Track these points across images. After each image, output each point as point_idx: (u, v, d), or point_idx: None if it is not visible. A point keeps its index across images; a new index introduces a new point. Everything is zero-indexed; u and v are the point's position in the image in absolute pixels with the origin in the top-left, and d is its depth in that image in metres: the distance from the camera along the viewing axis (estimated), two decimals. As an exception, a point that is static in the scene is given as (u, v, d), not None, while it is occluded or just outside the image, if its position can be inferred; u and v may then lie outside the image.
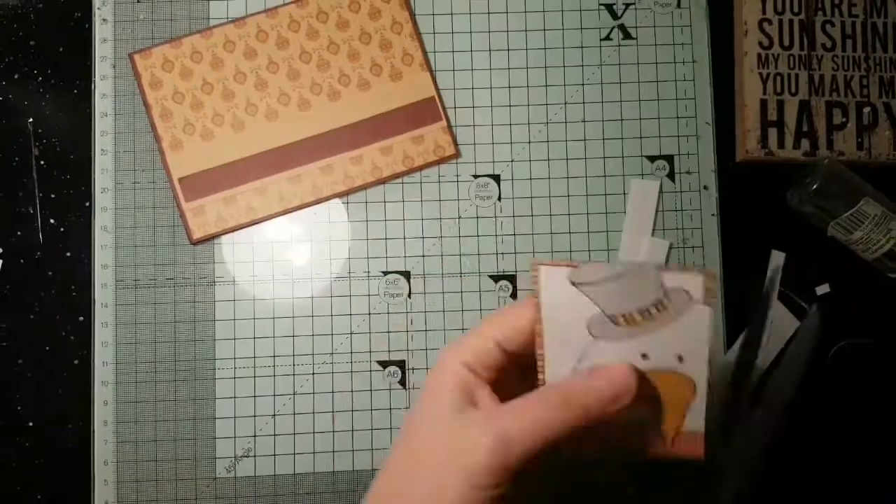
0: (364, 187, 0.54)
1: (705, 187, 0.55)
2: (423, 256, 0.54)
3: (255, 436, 0.53)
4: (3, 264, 0.54)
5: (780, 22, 0.55)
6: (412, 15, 0.55)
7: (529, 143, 0.55)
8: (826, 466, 0.54)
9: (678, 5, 0.56)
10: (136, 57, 0.54)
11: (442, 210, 0.54)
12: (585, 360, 0.32)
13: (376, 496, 0.32)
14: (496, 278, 0.54)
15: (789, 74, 0.55)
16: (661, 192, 0.55)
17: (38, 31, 0.55)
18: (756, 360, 0.33)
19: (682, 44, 0.56)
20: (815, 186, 0.52)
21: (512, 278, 0.54)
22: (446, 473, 0.29)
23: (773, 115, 0.55)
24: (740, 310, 0.54)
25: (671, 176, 0.55)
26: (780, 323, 0.54)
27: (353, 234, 0.54)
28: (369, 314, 0.54)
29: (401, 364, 0.53)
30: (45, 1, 0.56)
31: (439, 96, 0.55)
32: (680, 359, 0.31)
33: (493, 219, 0.54)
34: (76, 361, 0.53)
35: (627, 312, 0.31)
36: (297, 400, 0.53)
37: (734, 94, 0.56)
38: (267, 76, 0.54)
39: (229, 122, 0.54)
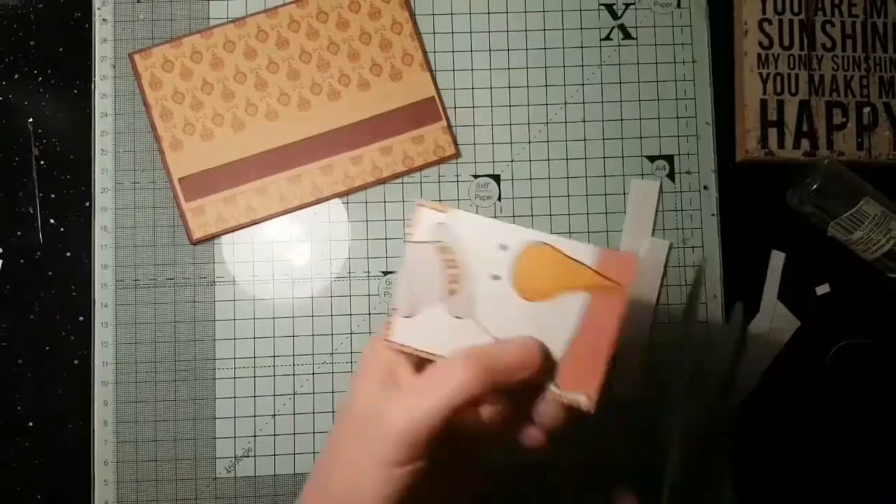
0: (364, 187, 0.54)
1: (705, 187, 0.55)
2: (423, 256, 0.54)
3: (255, 436, 0.53)
4: (3, 264, 0.54)
5: (780, 22, 0.55)
6: (412, 15, 0.55)
7: (529, 143, 0.55)
8: (826, 466, 0.54)
9: (678, 5, 0.56)
10: (136, 57, 0.54)
11: (442, 210, 0.54)
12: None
13: (325, 461, 0.34)
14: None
15: (789, 74, 0.55)
16: (661, 192, 0.55)
17: (38, 31, 0.55)
18: (686, 349, 0.35)
19: (682, 44, 0.56)
20: (815, 186, 0.52)
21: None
22: (370, 446, 0.31)
23: (773, 115, 0.55)
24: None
25: (671, 176, 0.55)
26: (781, 323, 0.54)
27: (353, 234, 0.54)
28: (369, 314, 0.54)
29: (401, 364, 0.53)
30: (45, 1, 0.55)
31: (439, 96, 0.55)
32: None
33: (493, 219, 0.54)
34: (76, 361, 0.53)
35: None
36: (298, 400, 0.53)
37: (734, 94, 0.56)
38: (267, 76, 0.54)
39: (229, 122, 0.54)
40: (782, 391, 0.53)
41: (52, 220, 0.54)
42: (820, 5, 0.56)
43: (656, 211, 0.55)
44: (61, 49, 0.55)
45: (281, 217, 0.54)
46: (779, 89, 0.55)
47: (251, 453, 0.52)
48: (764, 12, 0.55)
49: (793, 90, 0.55)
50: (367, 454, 0.32)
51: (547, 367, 0.34)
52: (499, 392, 0.33)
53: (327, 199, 0.54)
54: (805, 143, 0.55)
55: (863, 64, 0.55)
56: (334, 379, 0.53)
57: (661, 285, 0.54)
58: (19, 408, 0.53)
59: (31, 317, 0.53)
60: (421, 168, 0.54)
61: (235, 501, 0.52)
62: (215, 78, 0.54)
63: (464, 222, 0.34)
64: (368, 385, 0.34)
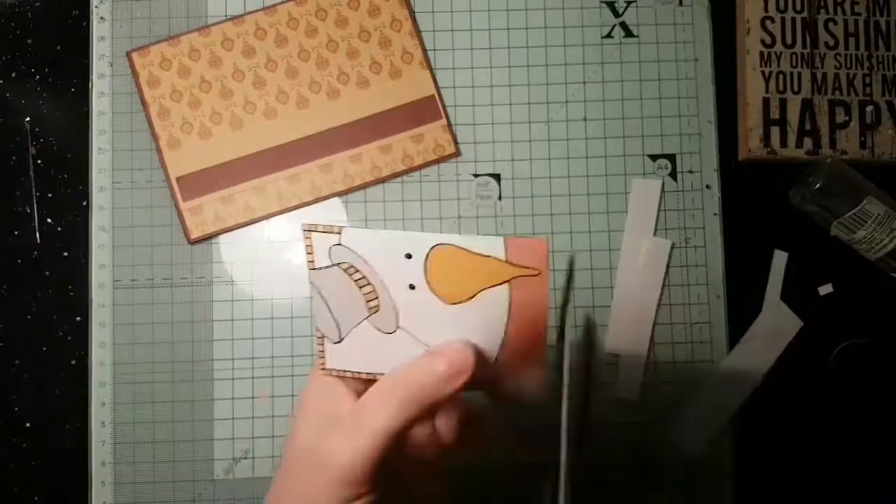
0: (363, 186, 0.54)
1: (707, 186, 0.55)
2: (423, 256, 0.54)
3: (253, 437, 0.52)
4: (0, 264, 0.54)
5: (783, 20, 0.55)
6: (412, 12, 0.55)
7: (530, 141, 0.55)
8: (829, 466, 0.54)
9: (680, 3, 0.56)
10: (134, 55, 0.54)
11: (442, 209, 0.54)
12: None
13: (274, 496, 0.34)
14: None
15: (792, 73, 0.55)
16: (663, 191, 0.54)
17: (35, 30, 0.55)
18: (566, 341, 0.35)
19: (685, 42, 0.55)
20: (817, 185, 0.52)
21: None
22: (316, 485, 0.31)
23: (775, 114, 0.54)
24: (743, 309, 0.54)
25: (673, 175, 0.55)
26: (784, 323, 0.54)
27: (352, 234, 0.54)
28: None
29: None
30: (42, -2, 0.55)
31: (439, 94, 0.54)
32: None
33: (494, 218, 0.54)
34: (73, 362, 0.53)
35: None
36: (297, 401, 0.53)
37: (736, 93, 0.55)
38: (265, 74, 0.54)
39: (227, 120, 0.54)
40: (785, 391, 0.53)
41: (49, 220, 0.54)
42: (822, 3, 0.55)
43: (658, 210, 0.54)
44: (59, 47, 0.55)
45: (279, 216, 0.54)
46: (781, 88, 0.54)
47: (249, 455, 0.52)
48: (766, 10, 0.55)
49: (795, 88, 0.54)
50: (313, 497, 0.31)
51: (482, 366, 0.33)
52: (440, 405, 0.32)
53: (326, 198, 0.54)
54: (808, 142, 0.54)
55: (866, 62, 0.55)
56: (333, 379, 0.53)
57: (664, 285, 0.53)
58: (16, 408, 0.53)
59: (29, 317, 0.53)
60: (421, 167, 0.54)
61: (233, 503, 0.52)
62: (213, 76, 0.54)
63: (361, 238, 0.32)
64: (307, 424, 0.33)
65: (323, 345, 0.35)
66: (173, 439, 0.52)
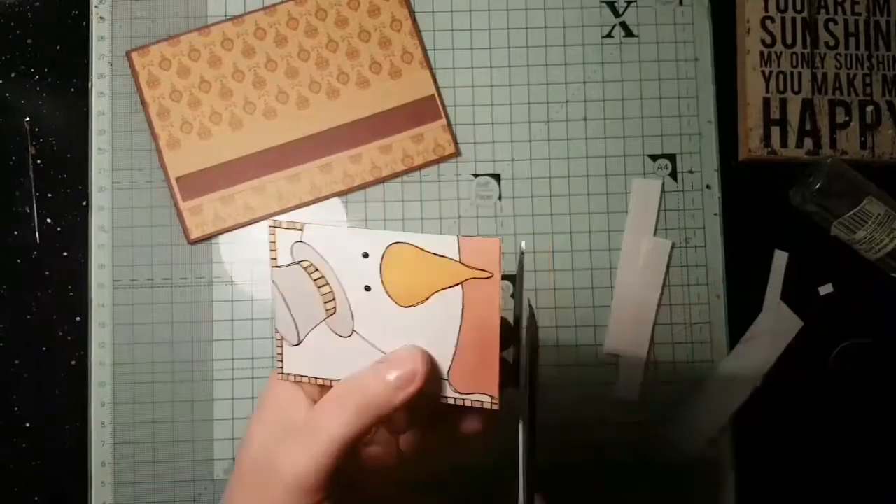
0: (363, 186, 0.54)
1: (708, 186, 0.55)
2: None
3: (253, 437, 0.52)
4: (-1, 264, 0.54)
5: (783, 20, 0.55)
6: (412, 12, 0.55)
7: (530, 141, 0.55)
8: (829, 467, 0.54)
9: (680, 3, 0.56)
10: (134, 55, 0.54)
11: (442, 209, 0.54)
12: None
13: (228, 501, 0.34)
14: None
15: (792, 73, 0.54)
16: (663, 191, 0.54)
17: (35, 29, 0.55)
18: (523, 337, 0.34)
19: (685, 42, 0.55)
20: (818, 185, 0.52)
21: (513, 278, 0.53)
22: (271, 492, 0.31)
23: (775, 114, 0.54)
24: (743, 309, 0.54)
25: (673, 175, 0.55)
26: (784, 323, 0.54)
27: (352, 234, 0.54)
28: (369, 314, 0.53)
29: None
30: (42, -2, 0.55)
31: (439, 94, 0.54)
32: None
33: (494, 218, 0.54)
34: (73, 362, 0.53)
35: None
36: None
37: (737, 93, 0.55)
38: (265, 74, 0.54)
39: (227, 120, 0.54)
40: (785, 391, 0.53)
41: (48, 220, 0.54)
42: (823, 3, 0.55)
43: (658, 210, 0.54)
44: (58, 47, 0.55)
45: (279, 216, 0.54)
46: (781, 87, 0.54)
47: (250, 454, 0.52)
48: (766, 10, 0.55)
49: (796, 88, 0.54)
50: (278, 489, 0.31)
51: (435, 374, 0.33)
52: (395, 414, 0.32)
53: (326, 198, 0.54)
54: (808, 142, 0.54)
55: (866, 62, 0.55)
56: (333, 379, 0.53)
57: (664, 285, 0.53)
58: (16, 408, 0.53)
59: (28, 317, 0.53)
60: (421, 167, 0.54)
61: (234, 503, 0.52)
62: (213, 76, 0.54)
63: (321, 235, 0.32)
64: (263, 427, 0.33)
65: (281, 348, 0.34)
66: (173, 439, 0.52)
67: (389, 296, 0.32)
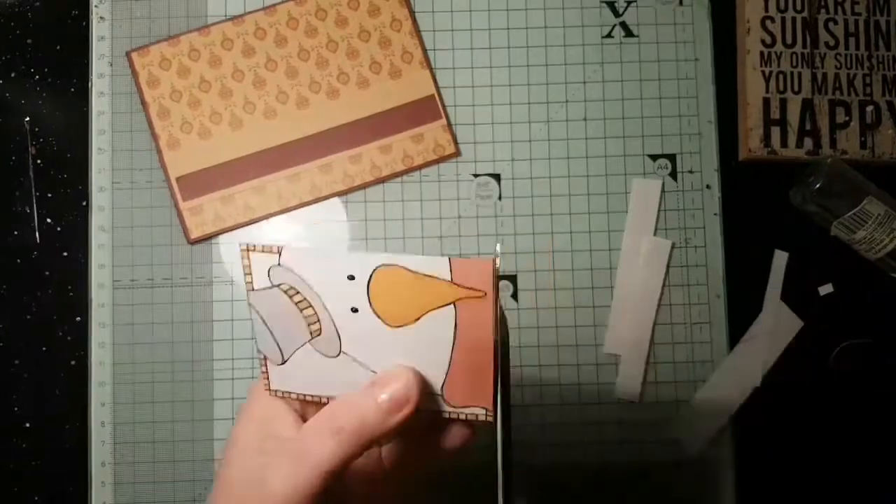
0: (363, 186, 0.54)
1: (708, 186, 0.55)
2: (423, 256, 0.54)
3: (253, 437, 0.52)
4: (-1, 264, 0.54)
5: (783, 20, 0.55)
6: (412, 12, 0.55)
7: (530, 141, 0.55)
8: (829, 467, 0.54)
9: (680, 3, 0.56)
10: (134, 55, 0.54)
11: (442, 209, 0.54)
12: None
13: None
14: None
15: (792, 73, 0.54)
16: (663, 191, 0.54)
17: (35, 29, 0.55)
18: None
19: (685, 41, 0.55)
20: (818, 185, 0.51)
21: (513, 278, 0.53)
22: None
23: (775, 114, 0.54)
24: (743, 309, 0.54)
25: (673, 175, 0.55)
26: (784, 323, 0.54)
27: (352, 234, 0.54)
28: (369, 314, 0.53)
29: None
30: (42, -2, 0.55)
31: (439, 94, 0.54)
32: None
33: (494, 218, 0.54)
34: (73, 362, 0.53)
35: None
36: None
37: (737, 93, 0.55)
38: (265, 74, 0.54)
39: (227, 120, 0.54)
40: (785, 391, 0.53)
41: (48, 220, 0.54)
42: (823, 3, 0.55)
43: (658, 210, 0.54)
44: (58, 47, 0.55)
45: (279, 216, 0.54)
46: (781, 87, 0.54)
47: (250, 454, 0.52)
48: (766, 10, 0.55)
49: (796, 88, 0.54)
50: None
51: (428, 391, 0.32)
52: (386, 438, 0.32)
53: (326, 198, 0.54)
54: (808, 142, 0.54)
55: (866, 62, 0.55)
56: (333, 379, 0.53)
57: (664, 285, 0.53)
58: (16, 408, 0.53)
59: (28, 317, 0.53)
60: (421, 167, 0.54)
61: (234, 503, 0.52)
62: (213, 76, 0.54)
63: (301, 258, 0.31)
64: (246, 446, 0.33)
65: (266, 366, 0.34)
66: (173, 439, 0.52)
67: (378, 317, 0.31)
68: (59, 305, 0.53)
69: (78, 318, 0.53)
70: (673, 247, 0.54)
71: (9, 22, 0.55)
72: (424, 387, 0.32)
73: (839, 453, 0.54)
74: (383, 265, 0.30)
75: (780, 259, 0.54)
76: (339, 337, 0.32)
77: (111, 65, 0.54)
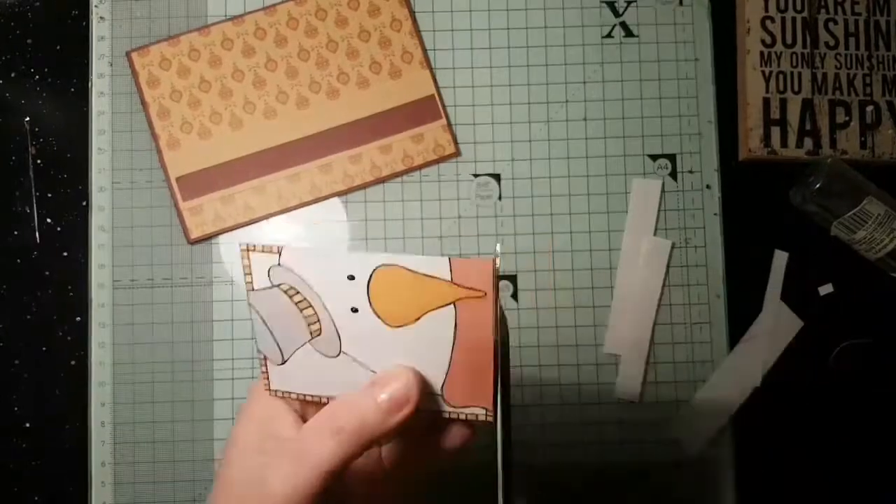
0: (363, 186, 0.54)
1: (708, 186, 0.55)
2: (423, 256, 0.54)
3: (253, 437, 0.52)
4: (-1, 264, 0.54)
5: (783, 20, 0.55)
6: (412, 12, 0.55)
7: (530, 141, 0.55)
8: (829, 467, 0.54)
9: (680, 3, 0.56)
10: (134, 55, 0.54)
11: (442, 209, 0.54)
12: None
13: None
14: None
15: (792, 73, 0.54)
16: (663, 191, 0.54)
17: (35, 29, 0.55)
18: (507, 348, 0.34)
19: (685, 42, 0.55)
20: (818, 185, 0.51)
21: (513, 278, 0.53)
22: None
23: (775, 114, 0.54)
24: (743, 309, 0.54)
25: (673, 175, 0.55)
26: (784, 323, 0.54)
27: (352, 234, 0.54)
28: (369, 314, 0.53)
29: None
30: (42, -2, 0.55)
31: (439, 94, 0.54)
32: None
33: (494, 218, 0.54)
34: (73, 362, 0.53)
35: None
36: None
37: (737, 93, 0.55)
38: (265, 74, 0.54)
39: (227, 120, 0.54)
40: (785, 391, 0.53)
41: (48, 220, 0.54)
42: (823, 3, 0.55)
43: (658, 210, 0.54)
44: (58, 47, 0.55)
45: (279, 216, 0.54)
46: (781, 87, 0.54)
47: (250, 454, 0.52)
48: (766, 10, 0.55)
49: (796, 88, 0.54)
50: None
51: (427, 391, 0.32)
52: (387, 438, 0.32)
53: (326, 198, 0.54)
54: (808, 142, 0.54)
55: (866, 62, 0.55)
56: (333, 379, 0.53)
57: (664, 285, 0.53)
58: (16, 408, 0.53)
59: (28, 317, 0.53)
60: (421, 167, 0.54)
61: (234, 503, 0.52)
62: (213, 76, 0.54)
63: (301, 258, 0.31)
64: (246, 446, 0.33)
65: (266, 366, 0.34)
66: (173, 439, 0.52)
67: (378, 317, 0.32)
68: (59, 305, 0.53)
69: (78, 318, 0.53)
70: (673, 247, 0.54)
71: (9, 22, 0.55)
72: (424, 387, 0.32)
73: (839, 453, 0.54)
74: (383, 265, 0.30)
75: (780, 259, 0.54)
76: (339, 337, 0.32)
77: (111, 65, 0.54)
